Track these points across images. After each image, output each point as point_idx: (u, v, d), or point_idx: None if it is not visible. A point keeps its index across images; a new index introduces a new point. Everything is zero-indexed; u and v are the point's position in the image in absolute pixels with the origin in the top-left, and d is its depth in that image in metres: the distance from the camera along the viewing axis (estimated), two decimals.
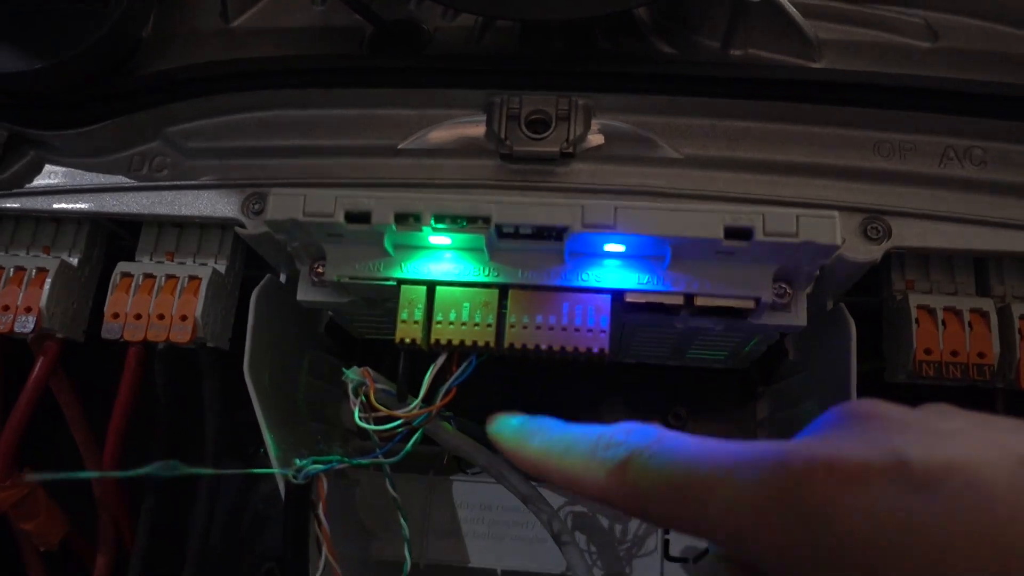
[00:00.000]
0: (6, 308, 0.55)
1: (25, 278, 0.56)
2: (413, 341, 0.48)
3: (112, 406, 0.59)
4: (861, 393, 0.51)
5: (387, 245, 0.47)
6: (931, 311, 0.52)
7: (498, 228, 0.45)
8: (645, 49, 0.55)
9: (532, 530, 0.64)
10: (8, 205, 0.56)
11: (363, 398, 0.48)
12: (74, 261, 0.58)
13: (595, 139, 0.53)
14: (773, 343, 0.61)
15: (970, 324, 0.52)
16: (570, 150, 0.52)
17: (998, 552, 0.21)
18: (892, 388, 0.56)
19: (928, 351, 0.51)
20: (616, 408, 0.74)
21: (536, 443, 0.34)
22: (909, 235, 0.51)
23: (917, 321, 0.52)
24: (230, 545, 0.58)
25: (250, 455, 0.72)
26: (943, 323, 0.52)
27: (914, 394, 0.70)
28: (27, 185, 0.57)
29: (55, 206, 0.56)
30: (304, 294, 0.52)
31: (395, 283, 0.48)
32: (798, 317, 0.49)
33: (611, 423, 0.72)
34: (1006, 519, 0.21)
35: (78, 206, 0.56)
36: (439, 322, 0.48)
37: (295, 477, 0.47)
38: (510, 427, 0.36)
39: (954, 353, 0.51)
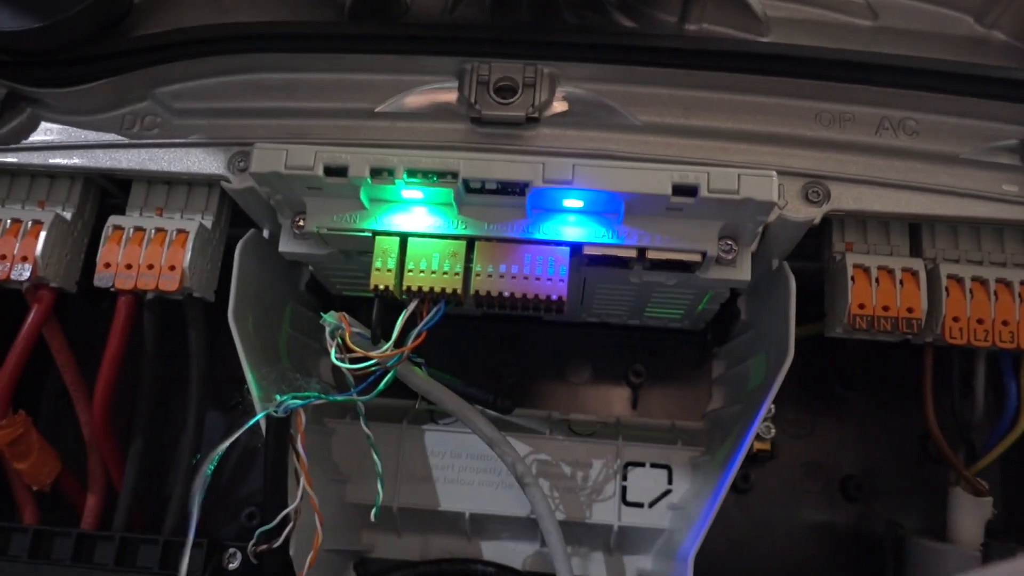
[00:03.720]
0: (3, 257, 0.58)
1: (21, 230, 0.59)
2: (387, 288, 0.52)
3: (100, 356, 0.62)
4: (801, 351, 0.55)
5: (363, 198, 0.51)
6: (866, 269, 0.57)
7: (466, 183, 0.49)
8: (607, 22, 0.59)
9: (498, 476, 0.68)
10: (6, 160, 0.59)
11: (339, 340, 0.52)
12: (67, 215, 0.61)
13: (559, 105, 0.57)
14: (725, 303, 0.66)
15: (901, 282, 0.56)
16: (535, 115, 0.56)
17: None
18: (831, 346, 0.61)
19: (862, 306, 0.56)
20: (581, 367, 0.78)
21: None
22: (847, 199, 0.55)
23: (853, 279, 0.56)
24: (215, 488, 0.61)
25: (232, 404, 0.76)
26: (876, 281, 0.56)
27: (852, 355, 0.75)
28: (24, 141, 0.60)
29: (51, 161, 0.59)
30: (286, 246, 0.56)
31: (370, 234, 0.52)
32: (743, 272, 0.53)
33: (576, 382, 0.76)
34: None
35: (72, 162, 0.59)
36: (411, 271, 0.52)
37: (276, 411, 0.51)
38: None
39: (885, 308, 0.56)
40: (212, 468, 0.50)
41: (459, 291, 0.51)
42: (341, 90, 0.58)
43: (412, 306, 0.52)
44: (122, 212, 0.61)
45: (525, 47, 0.56)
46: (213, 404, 0.75)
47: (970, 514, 0.62)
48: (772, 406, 0.66)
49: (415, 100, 0.58)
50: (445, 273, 0.52)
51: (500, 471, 0.69)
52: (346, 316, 0.52)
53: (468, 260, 0.52)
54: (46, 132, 0.60)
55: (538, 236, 0.51)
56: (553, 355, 0.78)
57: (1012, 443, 0.60)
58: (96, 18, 0.56)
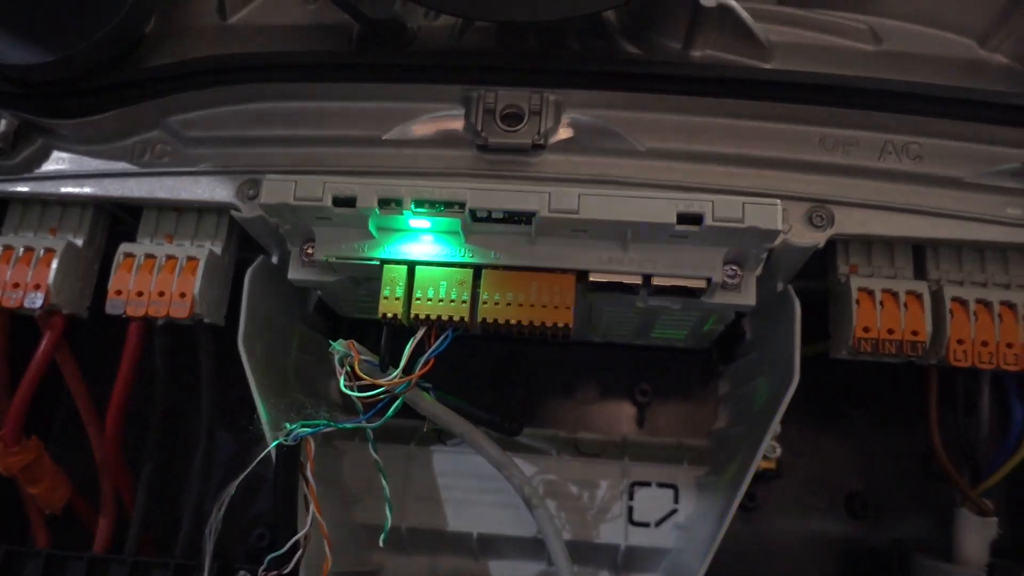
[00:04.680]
0: (16, 285, 0.59)
1: (34, 258, 0.60)
2: (395, 316, 0.52)
3: (110, 381, 0.63)
4: (805, 370, 0.56)
5: (371, 228, 0.52)
6: (871, 293, 0.57)
7: (472, 212, 0.50)
8: (612, 49, 0.59)
9: (506, 496, 0.68)
10: (19, 189, 0.60)
11: (348, 368, 0.52)
12: (79, 242, 0.62)
13: (564, 132, 0.57)
14: (730, 323, 0.66)
15: (906, 305, 0.57)
16: (541, 142, 0.56)
17: None
18: (835, 365, 0.61)
19: (867, 329, 0.56)
20: (587, 386, 0.79)
21: None
22: (851, 223, 0.55)
23: (858, 302, 0.57)
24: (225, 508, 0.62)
25: (242, 427, 0.76)
26: (881, 304, 0.57)
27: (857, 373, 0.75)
28: (36, 170, 0.61)
29: (63, 190, 0.60)
30: (295, 273, 0.56)
31: (378, 263, 0.53)
32: (748, 297, 0.54)
33: (582, 401, 0.76)
34: None
35: (84, 190, 0.60)
36: (418, 299, 0.52)
37: (286, 439, 0.51)
38: None
39: (890, 331, 0.56)
40: (223, 509, 0.51)
41: (467, 319, 0.52)
42: (349, 118, 0.59)
43: (420, 334, 0.53)
44: (132, 238, 0.62)
45: (531, 75, 0.57)
46: (222, 426, 0.76)
47: (975, 534, 0.62)
48: (777, 425, 0.66)
49: (422, 128, 0.58)
50: (453, 301, 0.52)
51: (507, 491, 0.68)
52: (355, 344, 0.53)
53: (475, 288, 0.52)
54: (58, 161, 0.61)
55: (544, 264, 0.52)
56: (559, 374, 0.79)
57: (1017, 464, 0.60)
58: (107, 51, 0.56)
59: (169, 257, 0.60)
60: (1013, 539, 0.69)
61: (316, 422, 0.52)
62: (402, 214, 0.50)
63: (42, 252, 0.60)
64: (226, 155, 0.59)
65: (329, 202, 0.50)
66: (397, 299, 0.52)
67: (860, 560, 0.72)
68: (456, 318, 0.52)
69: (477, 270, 0.52)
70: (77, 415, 0.68)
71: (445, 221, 0.51)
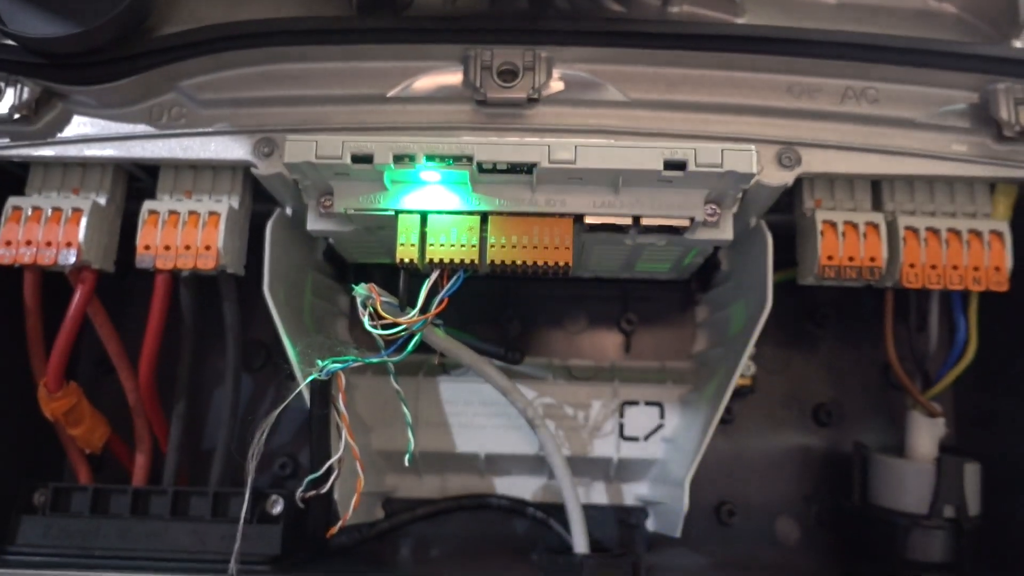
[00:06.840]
0: (49, 243, 0.63)
1: (63, 217, 0.64)
2: (411, 260, 0.58)
3: (131, 327, 0.68)
4: (776, 295, 0.62)
5: (386, 181, 0.57)
6: (833, 224, 0.63)
7: (479, 165, 0.55)
8: (597, 7, 0.64)
9: (508, 420, 0.75)
10: (43, 153, 0.64)
11: (371, 309, 0.58)
12: (102, 201, 0.66)
13: (556, 86, 0.62)
14: (708, 256, 0.73)
15: (864, 234, 0.63)
16: (535, 96, 0.61)
17: None
18: (802, 289, 0.68)
19: (830, 257, 0.63)
20: (577, 318, 0.85)
21: None
22: (816, 162, 0.61)
23: (822, 233, 0.63)
24: (249, 441, 0.67)
25: (256, 368, 0.82)
26: (843, 234, 0.63)
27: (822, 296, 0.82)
28: (59, 135, 0.64)
29: (86, 153, 0.64)
30: (314, 224, 0.61)
31: (394, 213, 0.58)
32: (725, 232, 0.60)
33: (574, 331, 0.82)
34: None
35: (107, 153, 0.64)
36: (431, 244, 0.58)
37: (319, 375, 0.57)
38: None
39: (851, 258, 0.63)
40: (264, 435, 0.57)
41: (476, 261, 0.57)
42: (354, 78, 0.63)
43: (434, 276, 0.58)
44: (150, 195, 0.66)
45: (523, 34, 0.61)
46: (243, 367, 0.81)
47: (925, 433, 0.71)
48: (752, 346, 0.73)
49: (424, 85, 0.63)
50: (463, 245, 0.57)
51: (509, 415, 0.76)
52: (375, 287, 0.58)
53: (483, 232, 0.58)
54: (80, 126, 0.64)
55: (545, 209, 0.57)
56: (551, 308, 0.85)
57: (962, 371, 0.69)
58: (124, 23, 0.59)
59: (191, 212, 0.64)
60: (958, 436, 0.78)
61: (345, 358, 0.57)
62: (414, 168, 0.55)
63: (70, 212, 0.64)
64: (240, 115, 0.63)
65: (348, 159, 0.54)
66: (412, 245, 0.57)
67: (826, 461, 0.81)
68: (467, 260, 0.57)
69: (484, 216, 0.57)
70: (100, 363, 0.73)
71: (454, 173, 0.56)
